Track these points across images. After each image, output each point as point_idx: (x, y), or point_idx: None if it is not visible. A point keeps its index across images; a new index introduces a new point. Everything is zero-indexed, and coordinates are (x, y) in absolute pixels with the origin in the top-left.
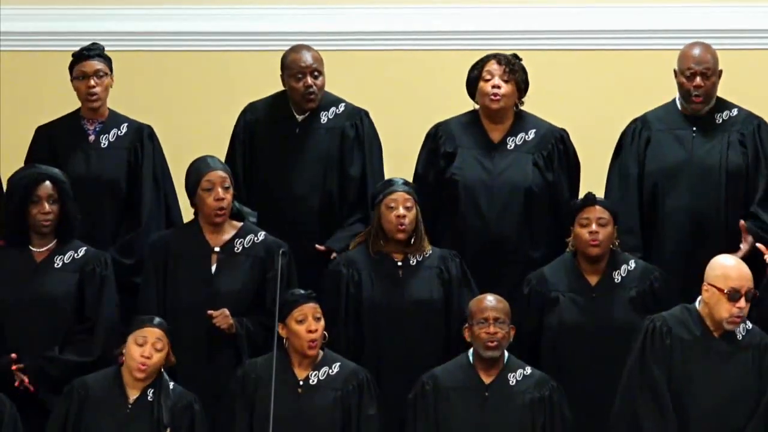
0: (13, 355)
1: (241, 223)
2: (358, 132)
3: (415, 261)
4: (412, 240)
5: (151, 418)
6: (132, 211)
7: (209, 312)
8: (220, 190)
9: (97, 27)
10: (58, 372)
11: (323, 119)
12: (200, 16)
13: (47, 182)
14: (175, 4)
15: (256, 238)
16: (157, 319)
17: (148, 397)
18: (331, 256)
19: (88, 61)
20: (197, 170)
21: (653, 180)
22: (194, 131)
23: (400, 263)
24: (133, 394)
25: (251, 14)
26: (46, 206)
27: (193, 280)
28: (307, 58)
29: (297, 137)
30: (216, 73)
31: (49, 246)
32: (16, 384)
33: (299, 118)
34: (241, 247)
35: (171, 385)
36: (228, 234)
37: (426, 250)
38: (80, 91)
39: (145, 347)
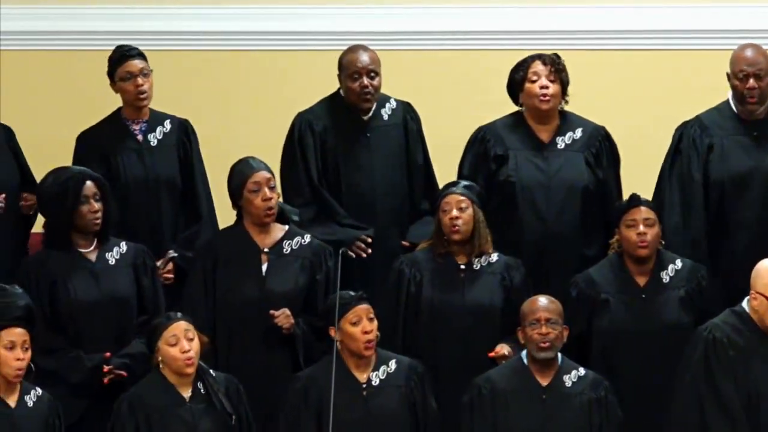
0: (107, 354)
1: (287, 225)
2: (417, 124)
3: (479, 265)
4: (473, 241)
5: (214, 410)
6: (188, 205)
7: (271, 312)
8: (266, 190)
9: (128, 27)
10: (142, 366)
11: (385, 116)
12: (249, 15)
13: (89, 181)
14: (221, 3)
15: (303, 240)
16: (175, 314)
17: (201, 391)
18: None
19: (131, 60)
20: (242, 172)
21: (720, 189)
22: (225, 131)
23: (462, 266)
24: (185, 392)
25: (296, 14)
26: (95, 204)
27: (245, 281)
28: (364, 58)
29: (368, 138)
30: (254, 72)
31: (93, 246)
32: (106, 381)
33: (365, 118)
34: (289, 249)
35: (212, 372)
36: (275, 235)
37: (489, 253)
38: (128, 92)
39: (181, 343)
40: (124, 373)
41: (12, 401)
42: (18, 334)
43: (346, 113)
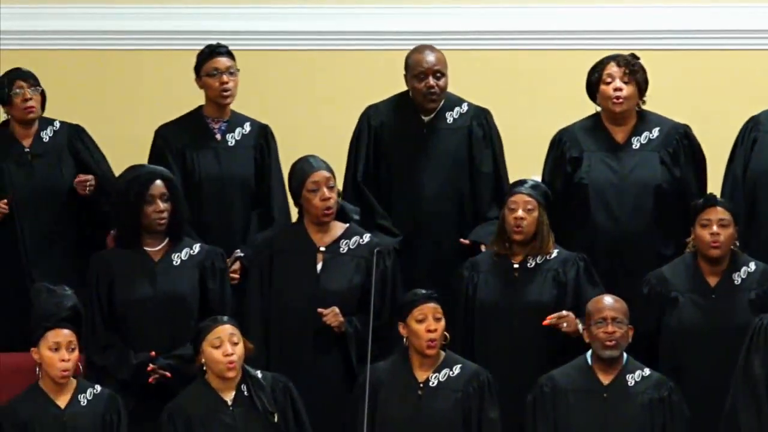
0: (153, 353)
1: (347, 224)
2: (485, 131)
3: (533, 263)
4: (534, 242)
5: (257, 412)
6: (261, 208)
7: (319, 310)
8: (325, 190)
9: (212, 26)
10: (190, 369)
11: (449, 119)
12: (321, 15)
13: (158, 181)
14: (289, 3)
15: (361, 240)
16: (221, 318)
17: (244, 394)
18: (482, 248)
19: (219, 58)
20: (301, 171)
21: (752, 182)
22: (299, 131)
23: (516, 265)
24: (228, 396)
25: (368, 13)
26: (161, 205)
27: (298, 279)
28: (430, 59)
29: (424, 138)
30: (327, 72)
31: (162, 245)
32: (150, 380)
33: (425, 119)
34: (346, 248)
35: (258, 373)
36: (334, 234)
37: (550, 253)
38: (212, 88)
39: (224, 346)
40: (168, 373)
41: (62, 402)
42: (63, 335)
43: (409, 112)
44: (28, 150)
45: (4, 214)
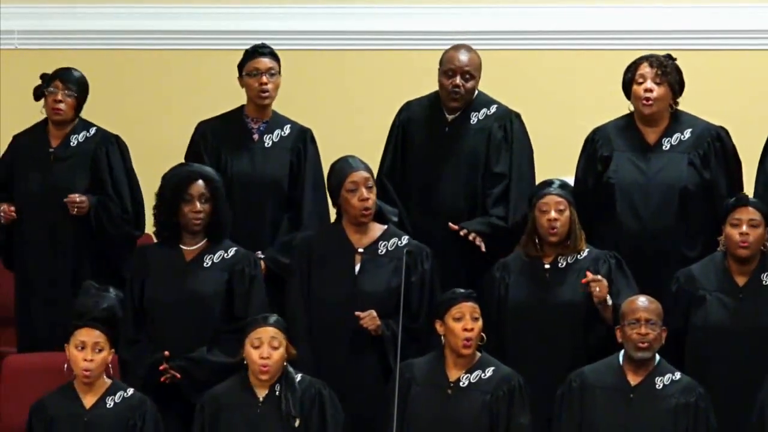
0: (166, 353)
1: (386, 226)
2: (506, 133)
3: (564, 263)
4: (567, 242)
5: (280, 413)
6: (292, 211)
7: (357, 313)
8: (364, 190)
9: (242, 26)
10: (205, 374)
11: (473, 120)
12: (357, 15)
13: (200, 181)
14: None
15: (399, 242)
16: (271, 318)
17: (276, 393)
18: (461, 233)
19: (261, 58)
20: (340, 171)
21: None
22: (336, 130)
23: (548, 266)
24: (261, 394)
25: (405, 13)
26: (198, 205)
27: (336, 280)
28: (462, 58)
29: (446, 137)
30: (368, 72)
31: (199, 245)
32: (162, 379)
33: (449, 118)
34: (384, 250)
35: (298, 377)
36: (372, 235)
37: (580, 252)
38: (251, 88)
39: (262, 348)
40: (177, 375)
41: (89, 402)
42: (91, 335)
43: (437, 110)
44: (51, 151)
45: (11, 219)
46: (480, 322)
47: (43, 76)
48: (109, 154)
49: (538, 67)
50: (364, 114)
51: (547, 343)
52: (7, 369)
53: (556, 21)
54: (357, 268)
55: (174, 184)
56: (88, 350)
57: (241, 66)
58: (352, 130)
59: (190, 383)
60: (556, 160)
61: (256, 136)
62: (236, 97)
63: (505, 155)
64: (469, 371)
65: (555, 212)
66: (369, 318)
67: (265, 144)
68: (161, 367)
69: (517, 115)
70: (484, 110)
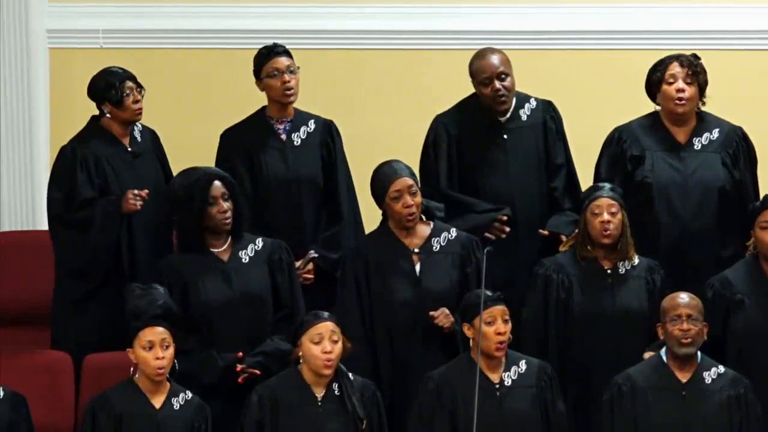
0: (240, 354)
1: (432, 222)
2: (556, 123)
3: (624, 269)
4: (619, 245)
5: (345, 413)
6: (329, 205)
7: (431, 313)
8: (408, 197)
9: (267, 25)
10: (278, 364)
11: (523, 117)
12: (391, 14)
13: (217, 181)
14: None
15: (450, 235)
16: (324, 313)
17: (335, 392)
18: (562, 242)
19: (278, 57)
20: (384, 179)
21: None
22: (369, 130)
23: (609, 271)
24: (319, 392)
25: (439, 13)
26: (224, 205)
27: (399, 283)
28: (493, 62)
29: (505, 140)
30: (398, 72)
31: (226, 245)
32: (240, 380)
33: (502, 120)
34: (438, 246)
35: (350, 375)
36: (422, 235)
37: (632, 258)
38: (275, 89)
39: (324, 343)
40: (257, 371)
41: (158, 402)
42: (157, 333)
43: (483, 115)
44: (130, 150)
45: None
46: (510, 324)
47: (110, 83)
48: (160, 145)
49: (554, 67)
50: (387, 113)
51: (613, 349)
52: (85, 368)
53: (577, 21)
54: (417, 268)
55: (199, 189)
56: (157, 348)
57: (257, 69)
58: (376, 130)
59: (270, 377)
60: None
61: (283, 136)
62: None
63: (560, 145)
64: (506, 369)
65: (608, 215)
66: (443, 316)
67: (294, 142)
68: (238, 368)
69: (554, 104)
70: (527, 105)
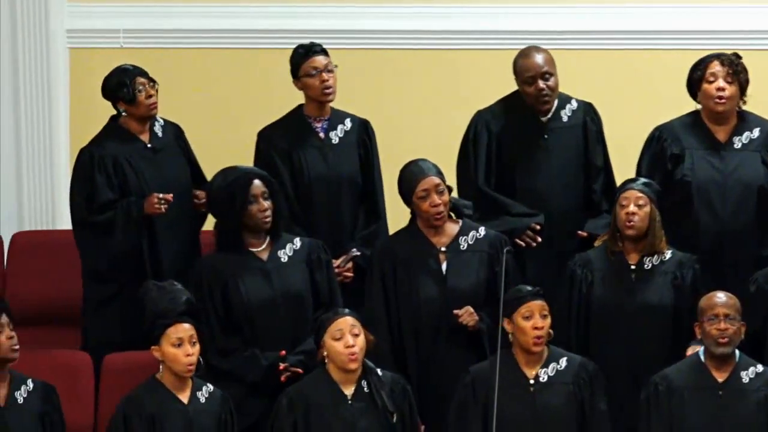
0: (282, 352)
1: (460, 220)
2: (597, 125)
3: (650, 264)
4: (646, 239)
5: (375, 409)
6: (367, 203)
7: (455, 312)
8: (435, 196)
9: (302, 25)
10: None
11: (564, 117)
12: (422, 14)
13: (256, 180)
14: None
15: (478, 234)
16: (342, 309)
17: (364, 389)
18: (595, 242)
19: (316, 57)
20: (411, 177)
21: None
22: (401, 129)
23: (633, 266)
24: (348, 390)
25: (475, 12)
26: (264, 203)
27: (426, 282)
28: (537, 61)
29: (546, 139)
30: (431, 70)
31: (265, 244)
32: (282, 379)
33: (543, 120)
34: (466, 245)
35: (378, 371)
36: (450, 233)
37: (663, 252)
38: (313, 87)
39: (345, 337)
40: (300, 370)
41: (184, 397)
42: (184, 329)
43: (525, 114)
44: (150, 146)
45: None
46: (549, 319)
47: (122, 81)
48: (185, 139)
49: (601, 66)
50: (423, 113)
51: (632, 344)
52: (105, 368)
53: (619, 21)
54: (444, 267)
55: (240, 188)
56: (186, 345)
57: (295, 68)
58: (412, 130)
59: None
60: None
61: (321, 135)
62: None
63: (599, 147)
64: (545, 366)
65: (634, 206)
66: (467, 314)
67: (333, 141)
68: (281, 367)
69: (594, 106)
70: (568, 106)
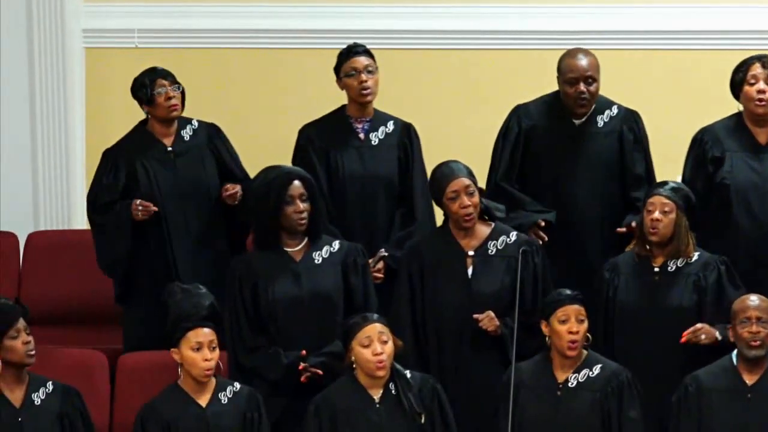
0: (303, 352)
1: (493, 224)
2: (635, 134)
3: (674, 267)
4: (671, 245)
5: (404, 411)
6: (403, 206)
7: (475, 316)
8: (465, 198)
9: (349, 25)
10: (342, 366)
11: (599, 123)
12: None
13: (296, 181)
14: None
15: (508, 239)
16: (371, 315)
17: (392, 392)
18: (627, 247)
19: (356, 57)
20: (442, 178)
21: None
22: (442, 130)
23: (657, 269)
24: (376, 394)
25: (515, 12)
26: (300, 205)
27: (451, 285)
28: (582, 64)
29: (576, 143)
30: (471, 71)
31: (302, 245)
32: (303, 379)
33: (577, 123)
34: (494, 249)
35: (407, 373)
36: (480, 237)
37: (690, 256)
38: (352, 88)
39: (374, 345)
40: (320, 371)
41: (203, 400)
42: (205, 334)
43: (560, 115)
44: (171, 149)
45: (150, 214)
46: (586, 324)
47: (142, 82)
48: (224, 141)
49: (648, 67)
50: (468, 114)
51: (655, 347)
52: (120, 368)
53: (667, 21)
54: (470, 271)
55: (277, 187)
56: (205, 350)
57: (338, 68)
58: (456, 130)
59: (333, 378)
60: (665, 162)
61: (361, 135)
62: (339, 97)
63: (640, 156)
64: (577, 371)
65: (659, 213)
66: (487, 319)
67: (372, 142)
68: (300, 367)
69: (639, 115)
70: (607, 112)
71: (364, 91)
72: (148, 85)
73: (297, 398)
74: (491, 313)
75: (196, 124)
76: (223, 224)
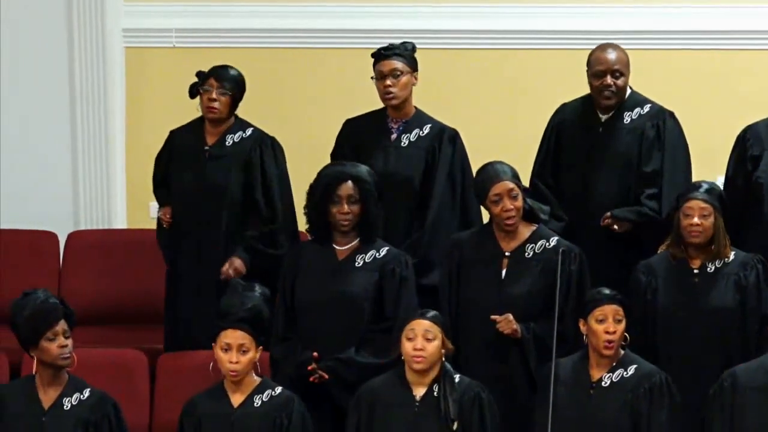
0: (315, 354)
1: (536, 227)
2: (659, 132)
3: (713, 268)
4: (711, 247)
5: (439, 414)
6: (420, 210)
7: (492, 317)
8: (507, 201)
9: (394, 25)
10: (353, 375)
11: (626, 119)
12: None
13: (348, 182)
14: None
15: (547, 244)
16: (429, 312)
17: (434, 393)
18: (603, 222)
19: (384, 60)
20: (485, 180)
21: None
22: (486, 130)
23: (696, 270)
24: (419, 392)
25: (558, 13)
26: (345, 207)
27: (483, 284)
28: (610, 57)
29: (600, 137)
30: (515, 71)
31: (351, 244)
32: (311, 379)
33: (603, 118)
34: (532, 252)
35: (457, 377)
36: (521, 238)
37: (728, 256)
38: (378, 90)
39: (416, 340)
40: (326, 375)
41: (236, 401)
42: (235, 336)
43: (591, 110)
44: (207, 149)
45: (170, 223)
46: (623, 324)
47: (199, 74)
48: (263, 156)
49: (690, 66)
50: (515, 114)
51: (697, 348)
52: (160, 367)
53: (709, 21)
54: (503, 272)
55: (323, 185)
56: (233, 352)
57: (374, 69)
58: (502, 131)
59: (338, 384)
60: (709, 161)
61: (394, 135)
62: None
63: (657, 154)
64: (612, 370)
65: (699, 218)
66: (505, 322)
67: (402, 143)
68: (309, 368)
69: (671, 114)
70: (637, 110)
71: (387, 96)
72: (200, 80)
73: (307, 399)
74: (509, 316)
75: (250, 132)
76: (241, 237)
